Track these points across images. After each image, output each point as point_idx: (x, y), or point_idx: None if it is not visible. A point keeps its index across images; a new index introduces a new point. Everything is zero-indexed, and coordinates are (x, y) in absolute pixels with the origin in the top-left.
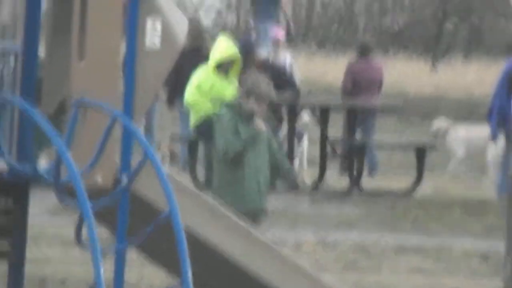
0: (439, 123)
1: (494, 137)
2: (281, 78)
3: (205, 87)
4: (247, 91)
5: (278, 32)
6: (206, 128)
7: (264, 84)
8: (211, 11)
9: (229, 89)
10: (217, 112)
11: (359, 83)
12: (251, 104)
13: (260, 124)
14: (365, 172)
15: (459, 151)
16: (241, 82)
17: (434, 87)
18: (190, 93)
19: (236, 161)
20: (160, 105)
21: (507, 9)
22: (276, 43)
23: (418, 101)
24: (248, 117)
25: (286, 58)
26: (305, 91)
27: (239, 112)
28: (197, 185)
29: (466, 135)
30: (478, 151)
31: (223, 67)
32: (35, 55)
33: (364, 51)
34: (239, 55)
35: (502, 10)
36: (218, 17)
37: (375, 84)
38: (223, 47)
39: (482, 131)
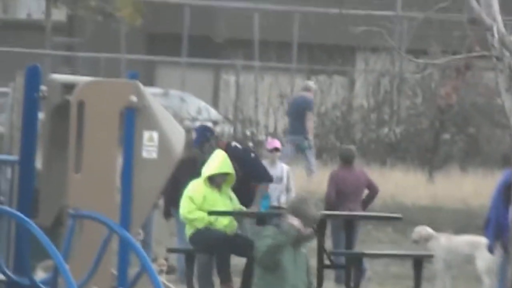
0: (421, 230)
1: (491, 248)
2: (248, 159)
3: (198, 200)
4: (294, 212)
5: (276, 142)
6: (201, 239)
7: (313, 207)
8: (207, 122)
9: (222, 201)
10: (261, 232)
11: (343, 192)
12: (296, 225)
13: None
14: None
15: (440, 261)
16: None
17: (431, 198)
18: (183, 205)
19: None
20: (158, 215)
21: (503, 120)
22: (273, 152)
23: (415, 212)
24: (294, 241)
25: (283, 167)
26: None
27: (285, 235)
28: None
29: (447, 244)
30: (462, 260)
31: (215, 180)
32: (32, 166)
33: (347, 160)
34: (233, 171)
35: (498, 121)
36: (214, 128)
37: (360, 192)
38: (217, 162)
39: (464, 239)
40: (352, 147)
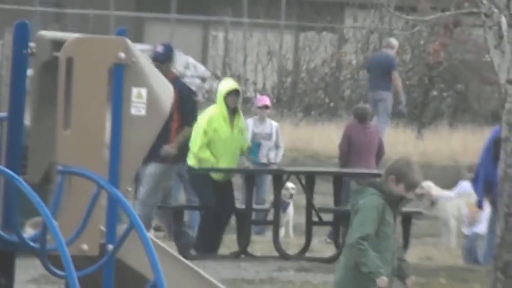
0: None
1: (480, 205)
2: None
3: (209, 134)
4: (398, 175)
5: (265, 99)
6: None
7: (418, 171)
8: (196, 78)
9: (231, 136)
10: (363, 195)
11: (356, 149)
12: (400, 191)
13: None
14: None
15: (452, 220)
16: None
17: (420, 154)
18: (195, 140)
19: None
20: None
21: (492, 76)
22: (262, 109)
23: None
24: (395, 203)
25: (272, 124)
26: (290, 159)
27: (387, 198)
28: (183, 251)
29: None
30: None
31: (229, 104)
32: (21, 123)
33: (361, 117)
34: (238, 88)
35: (487, 77)
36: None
37: (372, 150)
38: (226, 82)
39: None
40: (367, 106)
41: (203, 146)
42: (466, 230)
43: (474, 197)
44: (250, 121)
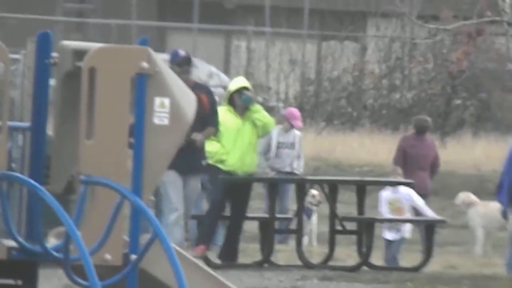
0: (464, 197)
1: (505, 214)
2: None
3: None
4: None
5: (298, 121)
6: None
7: None
8: (219, 87)
9: (242, 129)
10: None
11: (412, 160)
12: None
13: None
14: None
15: (478, 228)
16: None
17: (443, 163)
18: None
19: None
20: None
21: None
22: (288, 117)
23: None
24: None
25: (295, 134)
26: (313, 168)
27: None
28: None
29: (483, 211)
30: (497, 227)
31: (235, 102)
32: (44, 133)
33: (421, 129)
34: (247, 84)
35: (509, 86)
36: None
37: (428, 162)
38: (235, 82)
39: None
40: (428, 118)
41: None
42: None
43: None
44: (273, 131)
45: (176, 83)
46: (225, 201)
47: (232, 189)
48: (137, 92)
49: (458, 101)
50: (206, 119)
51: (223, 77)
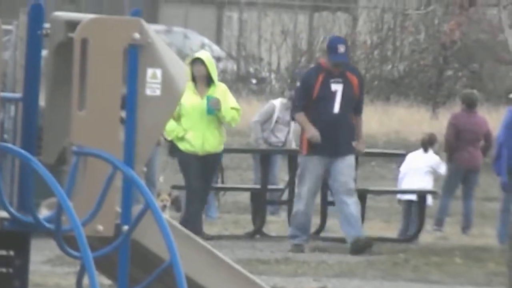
0: None
1: (505, 187)
2: None
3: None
4: None
5: None
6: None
7: None
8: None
9: (200, 108)
10: None
11: (463, 136)
12: None
13: None
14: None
15: None
16: None
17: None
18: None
19: None
20: (162, 152)
21: (507, 56)
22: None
23: (419, 148)
24: None
25: None
26: None
27: None
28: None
29: None
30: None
31: (193, 75)
32: (36, 104)
33: (470, 104)
34: (207, 58)
35: (501, 57)
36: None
37: (479, 137)
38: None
39: None
40: (475, 91)
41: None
42: None
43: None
44: (277, 103)
45: (168, 54)
46: (199, 181)
47: (199, 162)
48: (129, 63)
49: (450, 72)
50: None
51: (216, 48)
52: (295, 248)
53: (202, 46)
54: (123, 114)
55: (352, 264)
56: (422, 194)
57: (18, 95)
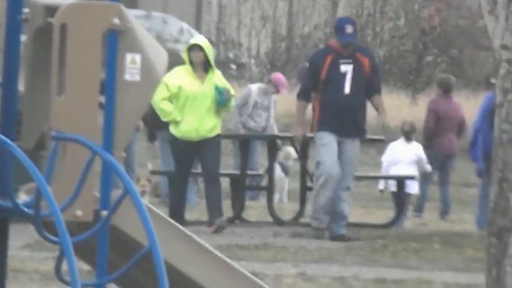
0: None
1: (480, 173)
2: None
3: (173, 88)
4: None
5: (284, 88)
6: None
7: None
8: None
9: (201, 93)
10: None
11: (442, 121)
12: None
13: None
14: (434, 214)
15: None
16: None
17: (414, 119)
18: (158, 91)
19: None
20: (140, 138)
21: (486, 42)
22: (277, 83)
23: (398, 134)
24: None
25: (271, 97)
26: (284, 124)
27: None
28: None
29: None
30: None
31: (192, 60)
32: (15, 89)
33: (447, 88)
34: (205, 44)
35: (481, 43)
36: None
37: (456, 122)
38: (192, 39)
39: None
40: (451, 76)
41: (165, 98)
42: None
43: None
44: (254, 88)
45: (147, 39)
46: (189, 169)
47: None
48: (108, 48)
49: (430, 58)
50: None
51: (195, 33)
52: (315, 233)
53: (181, 31)
54: (102, 99)
55: (331, 250)
56: (401, 180)
57: None
